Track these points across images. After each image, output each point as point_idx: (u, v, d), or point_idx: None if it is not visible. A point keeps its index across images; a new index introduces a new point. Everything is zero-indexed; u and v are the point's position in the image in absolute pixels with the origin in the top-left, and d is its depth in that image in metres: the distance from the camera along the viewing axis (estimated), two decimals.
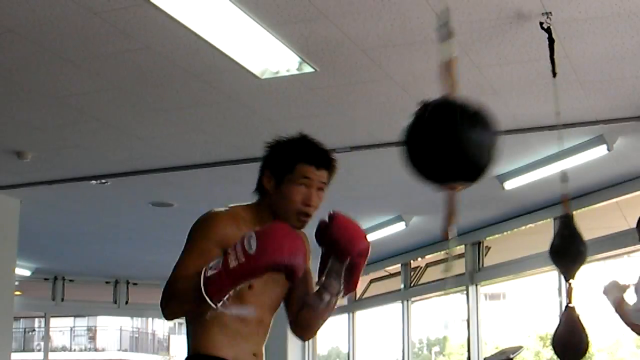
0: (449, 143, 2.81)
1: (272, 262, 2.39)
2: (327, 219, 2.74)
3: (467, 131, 2.83)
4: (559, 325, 4.23)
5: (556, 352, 4.34)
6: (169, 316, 2.54)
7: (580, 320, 4.69)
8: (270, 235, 2.41)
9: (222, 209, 2.73)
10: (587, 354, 4.43)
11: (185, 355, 2.78)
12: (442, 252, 10.38)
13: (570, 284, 4.80)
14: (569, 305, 4.76)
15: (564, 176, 4.97)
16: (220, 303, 2.42)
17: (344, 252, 2.72)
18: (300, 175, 2.74)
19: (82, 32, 4.48)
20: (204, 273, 2.39)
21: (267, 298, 2.84)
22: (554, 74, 4.59)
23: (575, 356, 4.33)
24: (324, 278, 2.83)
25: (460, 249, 9.95)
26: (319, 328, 3.05)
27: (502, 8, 4.26)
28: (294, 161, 2.75)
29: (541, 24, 4.35)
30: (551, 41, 4.44)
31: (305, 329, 3.10)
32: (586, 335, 4.33)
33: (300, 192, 2.73)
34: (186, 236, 2.69)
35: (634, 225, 4.62)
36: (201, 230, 2.65)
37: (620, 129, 6.17)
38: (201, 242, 2.61)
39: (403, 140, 2.95)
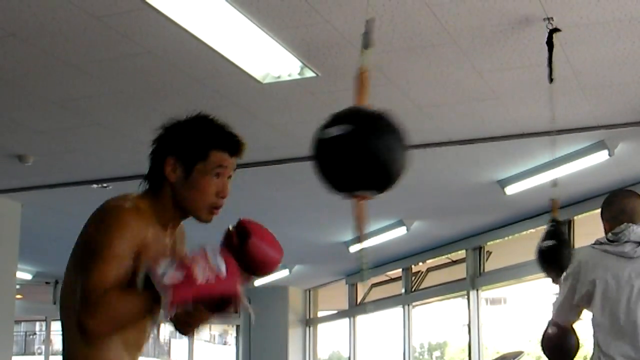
0: (355, 152, 2.80)
1: (234, 293, 2.19)
2: (237, 229, 2.37)
3: (373, 140, 2.82)
4: (546, 327, 4.25)
5: (546, 354, 4.35)
6: (96, 332, 2.19)
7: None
8: (233, 262, 2.21)
9: (126, 202, 2.36)
10: (578, 357, 4.42)
11: None
12: (444, 257, 10.40)
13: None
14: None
15: (554, 182, 4.99)
16: (171, 315, 2.15)
17: (254, 273, 2.37)
18: (215, 164, 2.39)
19: (84, 37, 4.48)
20: (157, 279, 2.12)
21: None
22: (551, 80, 4.58)
23: (565, 358, 4.33)
24: None
25: (460, 253, 9.97)
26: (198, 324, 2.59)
27: (503, 13, 4.26)
28: (207, 148, 2.40)
29: (542, 28, 4.35)
30: (550, 47, 4.44)
31: (184, 326, 2.60)
32: (576, 336, 4.33)
33: (214, 183, 2.39)
34: (87, 228, 2.38)
35: None
36: (113, 229, 2.27)
37: (621, 134, 6.17)
38: (116, 244, 2.24)
39: (312, 151, 2.95)
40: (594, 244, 3.93)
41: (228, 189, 2.43)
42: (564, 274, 4.06)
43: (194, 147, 2.40)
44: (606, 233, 3.89)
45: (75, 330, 2.21)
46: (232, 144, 2.43)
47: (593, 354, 3.80)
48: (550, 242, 4.81)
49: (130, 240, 2.26)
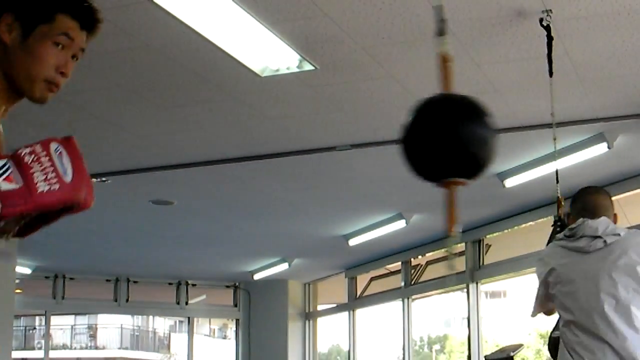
0: (446, 139, 2.78)
1: (78, 200, 1.83)
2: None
3: (464, 127, 2.81)
4: (554, 327, 4.26)
5: (551, 354, 4.35)
6: None
7: None
8: (81, 163, 1.87)
9: None
10: None
11: None
12: (443, 250, 10.39)
13: None
14: None
15: (556, 177, 4.98)
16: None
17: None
18: (60, 31, 2.00)
19: None
20: None
21: None
22: (551, 74, 4.59)
23: None
24: None
25: (460, 246, 9.96)
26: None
27: (502, 6, 4.26)
28: (54, 9, 1.99)
29: (541, 21, 4.35)
30: (549, 39, 4.44)
31: None
32: None
33: (55, 53, 2.01)
34: None
35: (635, 222, 4.63)
36: None
37: (620, 127, 6.17)
38: None
39: (401, 137, 2.93)
40: (555, 239, 3.95)
41: (70, 70, 2.09)
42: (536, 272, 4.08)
43: (39, 5, 1.99)
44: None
45: None
46: (86, 13, 2.04)
47: (559, 348, 3.82)
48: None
49: None
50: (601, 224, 3.75)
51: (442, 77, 2.99)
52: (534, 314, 4.15)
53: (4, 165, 1.77)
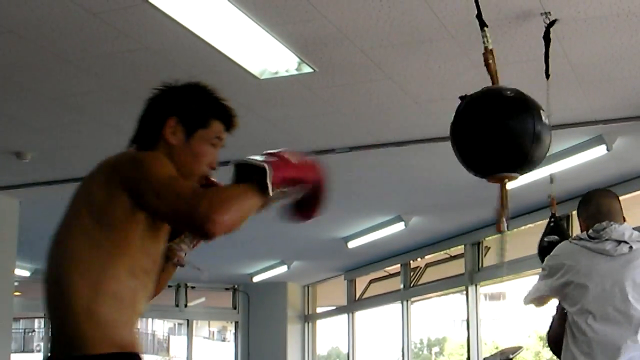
0: (497, 133, 2.75)
1: (323, 179, 2.31)
2: None
3: (516, 121, 2.78)
4: (551, 322, 4.26)
5: (552, 349, 4.36)
6: (225, 225, 2.05)
7: None
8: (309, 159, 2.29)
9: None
10: None
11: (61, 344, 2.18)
12: (442, 252, 10.40)
13: None
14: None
15: (552, 178, 5.00)
16: (273, 194, 2.13)
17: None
18: (214, 135, 2.39)
19: (81, 33, 4.48)
20: (254, 161, 2.14)
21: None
22: (547, 75, 4.59)
23: None
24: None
25: (459, 249, 9.97)
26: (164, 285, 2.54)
27: (501, 8, 4.26)
28: (209, 116, 2.40)
29: (546, 26, 4.34)
30: (547, 41, 4.44)
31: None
32: None
33: (209, 152, 2.37)
34: (121, 167, 2.25)
35: (634, 224, 4.64)
36: (160, 162, 2.20)
37: (619, 129, 6.17)
38: (170, 168, 2.19)
39: (451, 134, 2.90)
40: (573, 239, 3.95)
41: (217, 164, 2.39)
42: (543, 265, 4.08)
43: (198, 113, 2.38)
44: (582, 232, 3.91)
45: (81, 265, 2.13)
46: (231, 119, 2.46)
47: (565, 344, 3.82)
48: (552, 238, 4.84)
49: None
50: (627, 229, 3.80)
51: (490, 71, 2.96)
52: (526, 303, 4.16)
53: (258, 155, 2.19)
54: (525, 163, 2.82)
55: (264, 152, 2.21)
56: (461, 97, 2.95)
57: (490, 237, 9.56)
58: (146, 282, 2.26)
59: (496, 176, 2.86)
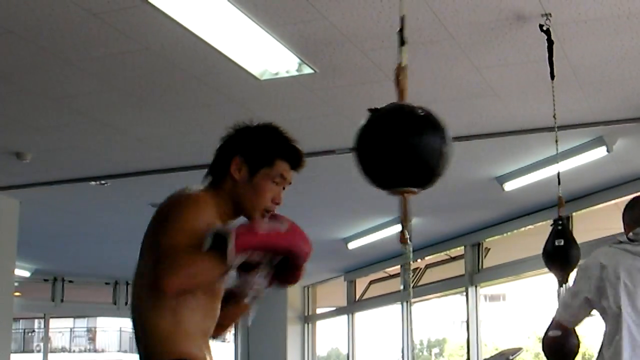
0: (399, 148, 2.82)
1: (290, 244, 2.39)
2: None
3: (417, 136, 2.84)
4: (548, 328, 4.25)
5: (546, 355, 4.35)
6: (177, 286, 2.28)
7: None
8: (294, 224, 2.43)
9: (196, 192, 2.52)
10: (585, 355, 4.44)
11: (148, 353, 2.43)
12: (442, 253, 10.40)
13: (560, 288, 4.82)
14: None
15: (558, 179, 5.00)
16: (236, 263, 2.32)
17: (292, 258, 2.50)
18: (278, 173, 2.58)
19: (82, 34, 4.48)
20: (223, 229, 2.32)
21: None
22: (552, 77, 4.59)
23: (566, 358, 4.34)
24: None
25: (459, 250, 9.97)
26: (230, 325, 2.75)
27: (501, 10, 4.26)
28: (274, 156, 2.58)
29: (541, 26, 4.35)
30: (550, 43, 4.44)
31: (219, 326, 2.65)
32: (577, 337, 4.34)
33: (272, 189, 2.57)
34: (162, 216, 2.47)
35: None
36: (191, 212, 2.42)
37: (619, 131, 6.17)
38: (194, 222, 2.38)
39: (354, 146, 2.95)
40: (612, 243, 3.96)
41: (282, 198, 2.59)
42: (577, 272, 4.07)
43: (263, 153, 2.57)
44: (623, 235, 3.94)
45: (157, 315, 2.36)
46: (297, 159, 2.64)
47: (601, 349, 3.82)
48: (559, 242, 4.82)
49: (205, 223, 2.39)
50: None
51: (398, 87, 3.01)
52: (568, 322, 4.12)
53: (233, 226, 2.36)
54: (428, 180, 2.89)
55: (242, 223, 2.39)
56: (370, 110, 3.01)
57: (490, 239, 9.57)
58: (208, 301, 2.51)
59: (398, 190, 2.92)
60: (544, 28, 4.36)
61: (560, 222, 4.91)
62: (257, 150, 2.58)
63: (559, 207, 4.94)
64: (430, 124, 2.91)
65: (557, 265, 4.87)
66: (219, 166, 2.62)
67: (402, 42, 3.09)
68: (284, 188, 2.61)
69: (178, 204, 2.46)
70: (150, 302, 2.39)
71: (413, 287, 10.96)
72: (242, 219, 2.58)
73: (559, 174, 5.08)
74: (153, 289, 2.32)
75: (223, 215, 2.52)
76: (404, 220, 3.03)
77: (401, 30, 3.11)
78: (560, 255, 4.87)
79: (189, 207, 2.43)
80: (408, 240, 3.08)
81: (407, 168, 2.85)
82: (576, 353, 4.37)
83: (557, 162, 5.22)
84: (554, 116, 4.87)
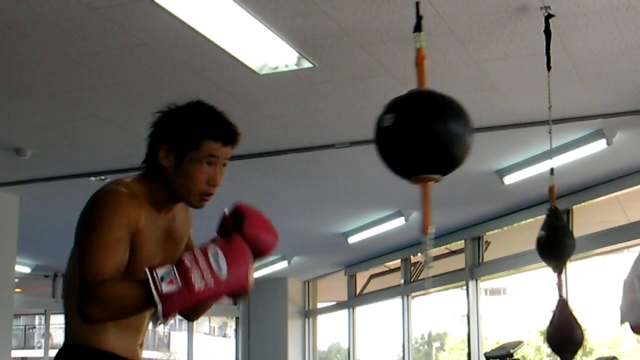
0: (420, 135, 2.79)
1: (239, 289, 2.23)
2: (232, 214, 2.38)
3: (439, 123, 2.81)
4: (552, 318, 4.25)
5: (550, 346, 4.35)
6: (95, 319, 2.24)
7: (572, 313, 4.69)
8: (238, 258, 2.22)
9: (120, 187, 2.40)
10: (585, 348, 4.44)
11: (64, 342, 2.44)
12: (443, 247, 10.40)
13: (559, 278, 4.82)
14: (561, 297, 4.77)
15: (551, 171, 5.00)
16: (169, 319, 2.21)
17: (257, 254, 2.34)
18: (207, 154, 2.39)
19: (81, 29, 4.47)
20: (156, 286, 2.14)
21: None
22: (549, 68, 4.58)
23: (570, 348, 4.34)
24: None
25: (460, 243, 9.97)
26: (205, 311, 2.73)
27: (501, 2, 4.26)
28: (199, 137, 2.39)
29: (545, 17, 4.34)
30: (548, 35, 4.44)
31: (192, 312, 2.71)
32: (580, 327, 4.34)
33: (205, 171, 2.39)
34: (84, 215, 2.39)
35: (634, 219, 4.65)
36: (108, 215, 2.31)
37: (619, 123, 6.17)
38: (112, 231, 2.29)
39: (375, 134, 2.92)
40: None
41: (221, 177, 2.43)
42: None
43: (186, 136, 2.40)
44: None
45: (77, 314, 2.26)
46: (226, 134, 2.42)
47: None
48: (550, 232, 4.82)
49: (126, 226, 2.31)
50: None
51: (418, 73, 3.00)
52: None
53: (169, 272, 2.15)
54: (450, 167, 2.85)
55: (180, 264, 2.18)
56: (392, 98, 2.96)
57: (490, 232, 9.57)
58: None
59: (421, 177, 2.87)
60: (543, 21, 4.36)
61: (551, 213, 4.89)
62: (181, 133, 2.42)
63: (550, 198, 4.93)
64: (455, 110, 2.88)
65: (551, 255, 4.86)
66: (149, 156, 2.50)
67: (419, 29, 3.07)
68: (224, 165, 2.44)
69: (96, 205, 2.36)
70: (72, 289, 2.32)
71: (414, 281, 10.98)
72: (183, 205, 2.51)
73: (552, 169, 5.07)
74: (75, 287, 2.28)
75: (162, 205, 2.45)
76: (425, 209, 2.95)
77: (418, 17, 3.09)
78: (554, 245, 4.86)
79: (107, 211, 2.32)
80: (430, 230, 2.99)
81: (432, 155, 2.80)
82: (580, 344, 4.37)
83: (551, 155, 5.22)
84: (549, 108, 4.85)
